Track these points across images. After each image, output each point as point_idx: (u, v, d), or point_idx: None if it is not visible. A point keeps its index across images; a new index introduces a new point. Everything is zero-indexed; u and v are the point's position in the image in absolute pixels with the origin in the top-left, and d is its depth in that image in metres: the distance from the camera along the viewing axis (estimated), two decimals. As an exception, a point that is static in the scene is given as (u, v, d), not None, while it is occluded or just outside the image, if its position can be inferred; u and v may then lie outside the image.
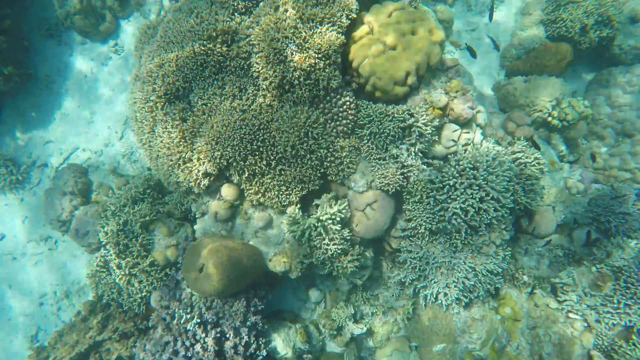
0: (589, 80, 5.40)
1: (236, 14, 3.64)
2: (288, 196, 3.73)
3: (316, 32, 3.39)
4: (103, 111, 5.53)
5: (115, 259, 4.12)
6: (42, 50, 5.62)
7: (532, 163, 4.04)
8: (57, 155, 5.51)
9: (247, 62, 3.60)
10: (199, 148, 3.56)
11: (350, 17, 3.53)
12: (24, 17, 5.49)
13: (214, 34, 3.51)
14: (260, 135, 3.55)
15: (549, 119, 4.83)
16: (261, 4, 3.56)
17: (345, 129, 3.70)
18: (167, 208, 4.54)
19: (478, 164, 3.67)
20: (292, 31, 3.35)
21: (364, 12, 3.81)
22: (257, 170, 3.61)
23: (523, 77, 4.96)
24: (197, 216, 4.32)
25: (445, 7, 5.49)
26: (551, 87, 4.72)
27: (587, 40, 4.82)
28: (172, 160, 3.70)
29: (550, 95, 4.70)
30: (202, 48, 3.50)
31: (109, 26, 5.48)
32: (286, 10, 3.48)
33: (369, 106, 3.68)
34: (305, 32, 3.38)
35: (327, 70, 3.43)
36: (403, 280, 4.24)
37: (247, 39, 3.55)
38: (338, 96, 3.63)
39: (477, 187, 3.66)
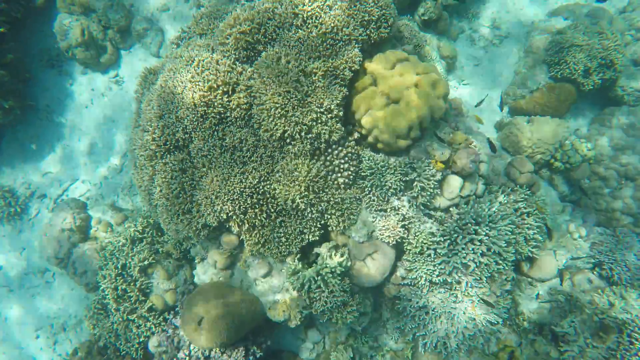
0: (592, 118, 5.37)
1: (237, 62, 3.61)
2: (288, 247, 3.70)
3: (318, 86, 3.35)
4: (103, 143, 5.49)
5: (113, 304, 4.09)
6: (43, 80, 5.59)
7: (534, 213, 4.01)
8: (56, 187, 5.48)
9: (248, 113, 3.56)
10: (199, 201, 3.52)
11: (353, 69, 3.50)
12: (26, 48, 5.46)
13: (215, 85, 3.47)
14: (261, 188, 3.51)
15: (552, 160, 4.79)
16: (263, 54, 3.53)
17: (346, 180, 3.67)
18: (166, 248, 4.50)
19: (480, 219, 3.63)
20: (294, 85, 3.32)
21: (367, 60, 3.78)
22: (257, 223, 3.58)
23: (526, 117, 4.93)
24: (196, 261, 4.29)
25: (449, 42, 5.47)
26: (554, 129, 4.68)
27: (591, 82, 4.80)
28: (171, 211, 3.66)
29: (553, 137, 4.67)
30: (203, 100, 3.46)
31: (110, 57, 5.45)
32: (288, 62, 3.45)
33: (371, 158, 3.65)
34: (307, 86, 3.34)
35: (329, 124, 3.40)
36: (402, 328, 4.20)
37: (248, 90, 3.51)
38: (340, 148, 3.59)
39: (479, 242, 3.63)
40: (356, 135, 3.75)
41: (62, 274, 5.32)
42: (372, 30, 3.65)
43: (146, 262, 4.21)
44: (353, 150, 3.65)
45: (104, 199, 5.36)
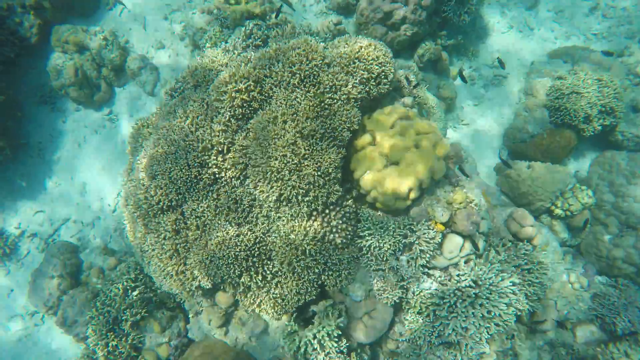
0: (592, 159, 5.31)
1: (232, 120, 3.52)
2: (284, 307, 3.60)
3: (315, 149, 3.27)
4: (96, 181, 5.38)
5: (103, 361, 3.97)
6: (35, 116, 5.49)
7: (535, 269, 3.94)
8: (47, 226, 5.35)
9: (244, 173, 3.47)
10: (192, 264, 3.42)
11: (352, 129, 3.42)
12: (19, 85, 5.36)
13: (209, 146, 3.38)
14: (256, 250, 3.42)
15: (552, 207, 4.73)
16: (260, 112, 3.44)
17: (344, 240, 3.57)
18: (160, 297, 4.39)
19: (480, 282, 3.55)
20: (291, 149, 3.23)
21: (366, 116, 3.70)
22: (252, 285, 3.48)
23: (526, 163, 4.87)
24: (190, 315, 4.18)
25: (448, 82, 5.41)
26: (555, 177, 4.62)
27: (591, 128, 4.75)
28: (164, 271, 3.55)
29: (554, 185, 4.61)
30: (197, 160, 3.37)
31: (104, 95, 5.36)
32: (285, 122, 3.36)
33: (369, 218, 3.56)
34: (304, 149, 3.25)
35: (326, 186, 3.31)
36: (401, 385, 4.10)
37: (243, 150, 3.43)
38: (338, 208, 3.51)
39: (479, 305, 3.54)
40: (354, 192, 3.67)
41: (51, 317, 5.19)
42: (372, 87, 3.57)
43: (138, 317, 4.09)
44: (351, 210, 3.56)
45: (97, 240, 5.24)
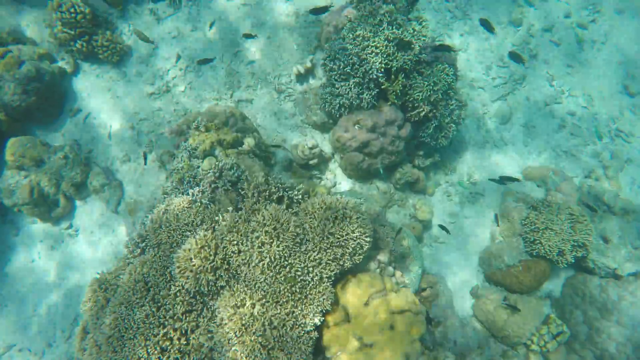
0: (565, 279, 5.32)
1: (197, 296, 3.28)
2: None
3: (284, 341, 3.06)
4: (49, 305, 4.96)
5: None
6: (-16, 230, 5.05)
7: None
8: (-9, 355, 4.86)
9: (209, 356, 3.22)
10: None
11: (324, 310, 3.25)
12: (-35, 199, 4.92)
13: (171, 332, 3.12)
14: None
15: (529, 342, 4.69)
16: (227, 294, 3.22)
17: (316, 421, 3.35)
18: None
19: None
20: (260, 340, 3.02)
21: (339, 285, 3.53)
22: None
23: (503, 294, 4.85)
24: None
25: (425, 201, 5.35)
26: (531, 314, 4.60)
27: (565, 261, 4.78)
28: None
29: (530, 322, 4.58)
30: (158, 346, 3.10)
31: (63, 210, 5.00)
32: (253, 306, 3.15)
33: (342, 398, 3.36)
34: (273, 339, 3.05)
35: (296, 377, 3.10)
36: None
37: (209, 334, 3.18)
38: (309, 389, 3.29)
39: None
40: (327, 365, 3.48)
41: None
42: (346, 261, 3.42)
43: None
44: (324, 388, 3.36)
45: (47, 372, 4.79)
